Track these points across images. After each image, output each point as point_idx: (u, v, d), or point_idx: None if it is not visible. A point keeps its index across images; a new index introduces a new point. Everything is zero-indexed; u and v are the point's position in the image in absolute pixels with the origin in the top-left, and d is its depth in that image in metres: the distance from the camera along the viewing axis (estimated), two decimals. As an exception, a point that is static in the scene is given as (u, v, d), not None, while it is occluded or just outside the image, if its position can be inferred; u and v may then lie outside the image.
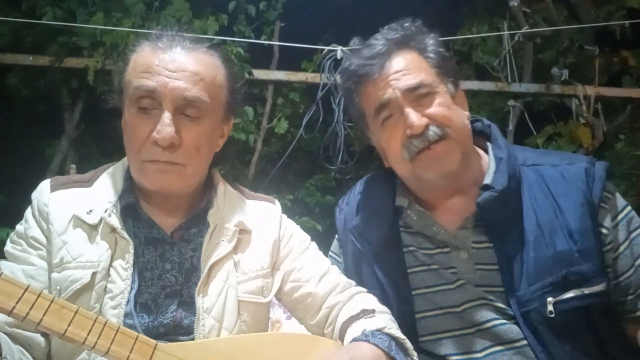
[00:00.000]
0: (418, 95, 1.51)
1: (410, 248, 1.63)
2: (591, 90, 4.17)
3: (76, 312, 1.07)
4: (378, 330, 1.36)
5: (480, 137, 1.68)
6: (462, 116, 1.56)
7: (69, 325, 1.06)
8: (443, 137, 1.49)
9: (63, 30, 3.84)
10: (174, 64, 1.37)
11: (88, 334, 1.07)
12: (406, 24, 1.60)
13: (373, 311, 1.45)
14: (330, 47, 3.93)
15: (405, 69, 1.53)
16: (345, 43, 3.87)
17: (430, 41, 1.59)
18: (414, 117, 1.48)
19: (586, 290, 1.43)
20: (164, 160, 1.35)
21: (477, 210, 1.51)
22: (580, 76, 4.28)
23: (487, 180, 1.53)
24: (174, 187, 1.41)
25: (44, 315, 1.04)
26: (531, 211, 1.51)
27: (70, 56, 3.89)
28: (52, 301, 1.06)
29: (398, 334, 1.37)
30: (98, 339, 1.08)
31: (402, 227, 1.66)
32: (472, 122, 1.64)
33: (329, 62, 3.91)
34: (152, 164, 1.36)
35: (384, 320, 1.42)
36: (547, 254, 1.46)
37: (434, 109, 1.50)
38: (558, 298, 1.43)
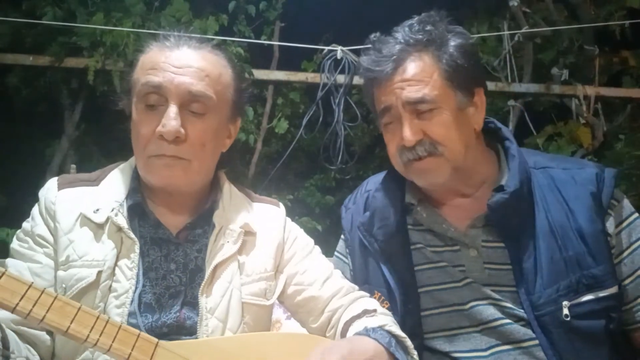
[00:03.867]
0: (419, 109, 1.50)
1: (418, 245, 1.63)
2: (591, 90, 4.18)
3: (79, 310, 1.07)
4: (379, 327, 1.37)
5: (491, 137, 1.68)
6: (461, 135, 1.53)
7: (71, 323, 1.06)
8: (432, 154, 1.51)
9: (63, 30, 3.83)
10: (180, 61, 1.39)
11: (90, 332, 1.07)
12: (428, 27, 1.54)
13: (374, 311, 1.46)
14: (330, 47, 3.93)
15: (412, 79, 1.51)
16: (345, 43, 3.88)
17: (450, 49, 1.53)
18: (407, 131, 1.50)
19: (600, 294, 1.43)
20: (170, 155, 1.36)
21: (488, 211, 1.52)
22: (580, 76, 4.28)
23: (502, 181, 1.54)
24: (179, 183, 1.42)
25: (46, 313, 1.04)
26: (543, 213, 1.52)
27: (70, 56, 3.88)
28: (55, 298, 1.06)
29: (399, 332, 1.38)
30: (100, 336, 1.08)
31: (411, 224, 1.67)
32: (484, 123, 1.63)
33: (329, 62, 3.91)
34: (158, 158, 1.37)
35: (386, 319, 1.43)
36: (560, 257, 1.46)
37: (431, 126, 1.50)
38: (574, 301, 1.43)
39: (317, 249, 1.68)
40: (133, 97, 1.43)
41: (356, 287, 1.62)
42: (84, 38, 3.78)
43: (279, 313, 2.22)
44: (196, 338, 1.33)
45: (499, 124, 1.69)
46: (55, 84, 4.04)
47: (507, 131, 1.67)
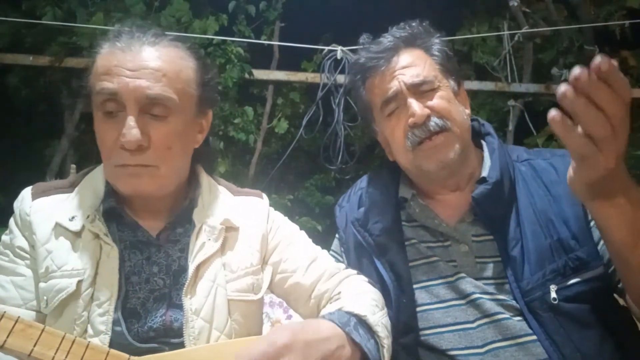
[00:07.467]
0: (422, 90, 1.60)
1: (412, 241, 1.65)
2: (591, 90, 4.13)
3: (42, 331, 1.06)
4: (337, 309, 1.36)
5: (478, 136, 1.73)
6: (462, 112, 1.64)
7: (34, 345, 1.04)
8: (443, 129, 1.57)
9: (63, 30, 3.83)
10: (134, 63, 1.32)
11: (55, 353, 1.05)
12: (413, 24, 1.69)
13: (339, 296, 1.46)
14: (330, 47, 3.93)
15: (410, 64, 1.62)
16: (345, 43, 3.87)
17: (436, 40, 1.68)
18: (417, 107, 1.57)
19: (586, 275, 1.43)
20: (134, 164, 1.32)
21: (473, 203, 1.55)
22: (580, 76, 4.23)
23: (484, 173, 1.58)
24: (147, 190, 1.37)
25: (7, 337, 1.02)
26: (527, 202, 1.54)
27: (70, 56, 3.88)
28: (16, 321, 1.04)
29: (357, 310, 1.34)
30: (66, 357, 1.06)
31: (404, 220, 1.70)
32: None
33: (329, 62, 3.91)
34: (122, 168, 1.33)
35: (347, 301, 1.40)
36: (546, 243, 1.48)
37: (436, 101, 1.59)
38: (561, 285, 1.43)
39: (303, 234, 1.66)
40: (92, 103, 1.37)
41: (342, 266, 1.60)
42: (84, 38, 3.77)
43: (279, 313, 2.24)
44: (183, 340, 1.31)
45: (482, 120, 1.77)
46: (55, 84, 4.04)
47: (489, 127, 1.74)
